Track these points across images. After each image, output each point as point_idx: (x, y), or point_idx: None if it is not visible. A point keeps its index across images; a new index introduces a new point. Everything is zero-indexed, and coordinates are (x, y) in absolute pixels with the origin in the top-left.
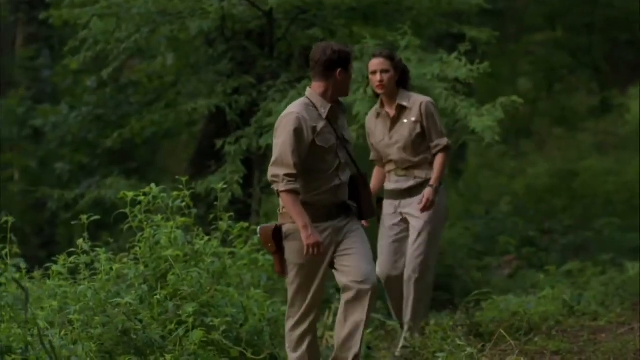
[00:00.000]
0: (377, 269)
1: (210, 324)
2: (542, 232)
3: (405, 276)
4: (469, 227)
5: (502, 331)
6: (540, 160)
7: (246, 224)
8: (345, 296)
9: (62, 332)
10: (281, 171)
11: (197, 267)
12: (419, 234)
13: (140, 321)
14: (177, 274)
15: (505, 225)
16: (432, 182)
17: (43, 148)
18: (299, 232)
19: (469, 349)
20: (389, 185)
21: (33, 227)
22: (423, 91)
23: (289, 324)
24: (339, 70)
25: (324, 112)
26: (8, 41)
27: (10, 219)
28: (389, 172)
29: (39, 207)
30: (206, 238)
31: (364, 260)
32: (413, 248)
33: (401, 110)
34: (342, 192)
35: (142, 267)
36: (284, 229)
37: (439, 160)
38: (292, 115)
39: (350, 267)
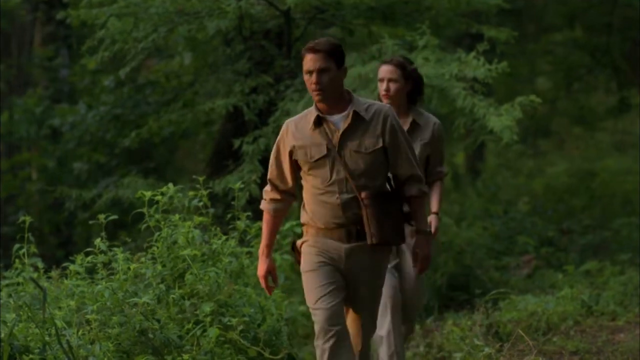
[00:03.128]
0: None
1: (228, 323)
2: (561, 232)
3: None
4: (487, 227)
5: (520, 331)
6: (559, 159)
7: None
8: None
9: (80, 332)
10: (266, 187)
11: (214, 267)
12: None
13: (158, 321)
14: (194, 274)
15: (524, 225)
16: (435, 209)
17: (61, 148)
18: (321, 242)
19: (487, 349)
20: None
21: (51, 227)
22: (441, 91)
23: None
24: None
25: (310, 121)
26: (26, 41)
27: (28, 219)
28: None
29: (56, 207)
30: (224, 238)
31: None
32: (410, 280)
33: (415, 126)
34: (348, 211)
35: (159, 267)
36: (298, 244)
37: (439, 187)
38: (284, 125)
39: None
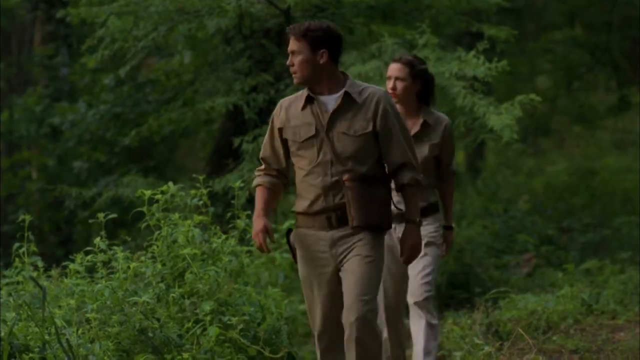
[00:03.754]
0: (381, 301)
1: (228, 322)
2: (561, 231)
3: (411, 301)
4: (487, 226)
5: (520, 330)
6: (559, 158)
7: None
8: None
9: (80, 331)
10: (259, 167)
11: (214, 266)
12: (424, 266)
13: (158, 320)
14: (194, 273)
15: (524, 223)
16: (449, 221)
17: (61, 146)
18: (303, 238)
19: (486, 348)
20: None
21: (51, 226)
22: (441, 89)
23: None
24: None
25: (303, 100)
26: (26, 39)
27: (28, 218)
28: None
29: (56, 206)
30: (224, 236)
31: (354, 286)
32: (417, 280)
33: (425, 127)
34: (330, 194)
35: (159, 266)
36: (291, 235)
37: (449, 188)
38: (278, 103)
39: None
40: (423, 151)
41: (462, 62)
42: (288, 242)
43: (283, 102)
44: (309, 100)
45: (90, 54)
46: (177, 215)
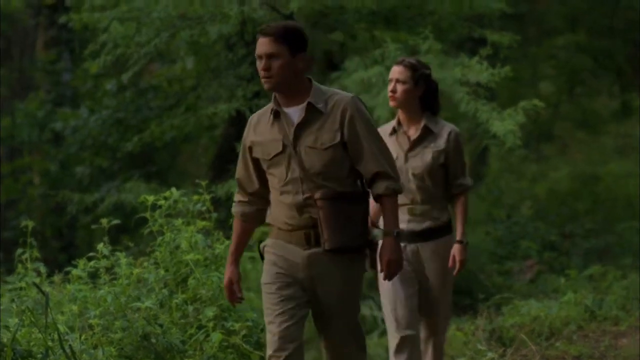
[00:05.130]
0: (391, 326)
1: (231, 328)
2: (564, 237)
3: (423, 336)
4: (490, 232)
5: (524, 336)
6: (562, 164)
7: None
8: None
9: (83, 337)
10: (237, 189)
11: (217, 272)
12: (437, 289)
13: (161, 325)
14: (197, 278)
15: (527, 229)
16: (460, 236)
17: (63, 151)
18: (279, 246)
19: (490, 354)
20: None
21: (53, 231)
22: (444, 95)
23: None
24: None
25: (269, 114)
26: (28, 45)
27: (30, 223)
28: (399, 206)
29: (58, 211)
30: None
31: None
32: (431, 305)
33: (426, 132)
34: (304, 212)
35: (162, 272)
36: (262, 248)
37: (462, 204)
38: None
39: None
40: (426, 157)
41: (465, 67)
42: (259, 249)
43: (252, 119)
44: (275, 114)
45: (93, 59)
46: (180, 220)
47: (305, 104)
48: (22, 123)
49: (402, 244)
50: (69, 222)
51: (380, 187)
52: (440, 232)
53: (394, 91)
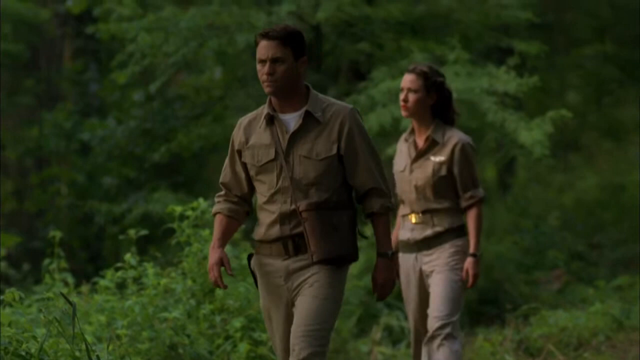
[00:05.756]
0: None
1: (258, 338)
2: (591, 247)
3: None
4: (517, 242)
5: (551, 346)
6: (589, 173)
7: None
8: None
9: (110, 347)
10: (219, 193)
11: (244, 282)
12: (443, 294)
13: (188, 336)
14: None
15: (554, 239)
16: (473, 249)
17: (90, 162)
18: (261, 266)
19: None
20: (404, 234)
21: (80, 242)
22: (471, 105)
23: None
24: None
25: (262, 119)
26: (56, 55)
27: (58, 234)
28: (404, 216)
29: (86, 221)
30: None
31: (300, 322)
32: (436, 309)
33: (432, 144)
34: (286, 222)
35: (189, 282)
36: (252, 260)
37: (474, 217)
38: (237, 122)
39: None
40: (427, 169)
41: (493, 77)
42: (249, 267)
43: (242, 121)
44: (269, 120)
45: (120, 69)
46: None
47: (302, 111)
48: (49, 133)
49: (405, 254)
50: (96, 232)
51: (375, 204)
52: (441, 239)
53: (405, 100)
